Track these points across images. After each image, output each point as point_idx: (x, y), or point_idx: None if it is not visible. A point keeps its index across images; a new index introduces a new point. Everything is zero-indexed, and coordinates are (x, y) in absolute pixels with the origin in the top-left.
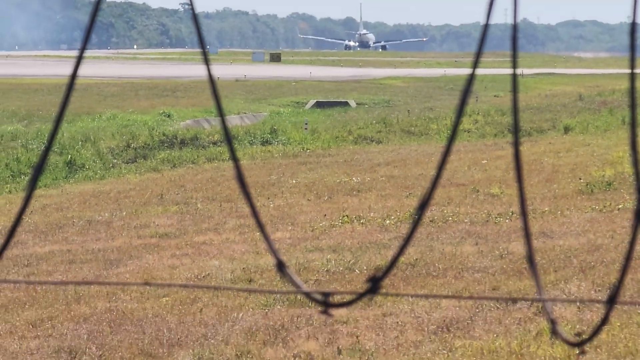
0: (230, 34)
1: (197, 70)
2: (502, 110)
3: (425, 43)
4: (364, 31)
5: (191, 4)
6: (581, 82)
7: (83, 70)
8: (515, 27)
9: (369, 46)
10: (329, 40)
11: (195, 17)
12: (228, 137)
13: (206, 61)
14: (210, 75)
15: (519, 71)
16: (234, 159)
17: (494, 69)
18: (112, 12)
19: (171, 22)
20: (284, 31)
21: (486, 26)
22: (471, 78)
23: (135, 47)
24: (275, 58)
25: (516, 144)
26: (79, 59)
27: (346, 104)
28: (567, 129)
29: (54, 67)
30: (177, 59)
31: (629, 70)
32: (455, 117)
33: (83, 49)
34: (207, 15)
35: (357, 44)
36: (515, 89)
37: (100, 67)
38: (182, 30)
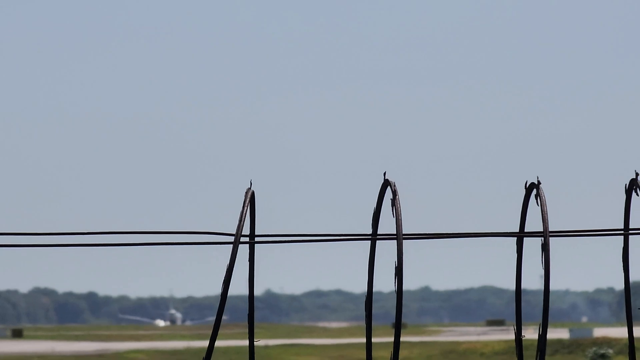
0: None
1: None
2: None
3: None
4: (173, 311)
5: None
6: (326, 352)
7: None
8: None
9: (177, 323)
10: (143, 319)
11: None
12: None
13: None
14: None
15: (262, 343)
16: None
17: (233, 340)
18: None
19: None
20: (25, 305)
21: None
22: (210, 350)
23: None
24: (17, 334)
25: None
26: None
27: None
28: None
29: None
30: None
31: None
32: None
33: None
34: None
35: (167, 322)
36: None
37: None
38: None
